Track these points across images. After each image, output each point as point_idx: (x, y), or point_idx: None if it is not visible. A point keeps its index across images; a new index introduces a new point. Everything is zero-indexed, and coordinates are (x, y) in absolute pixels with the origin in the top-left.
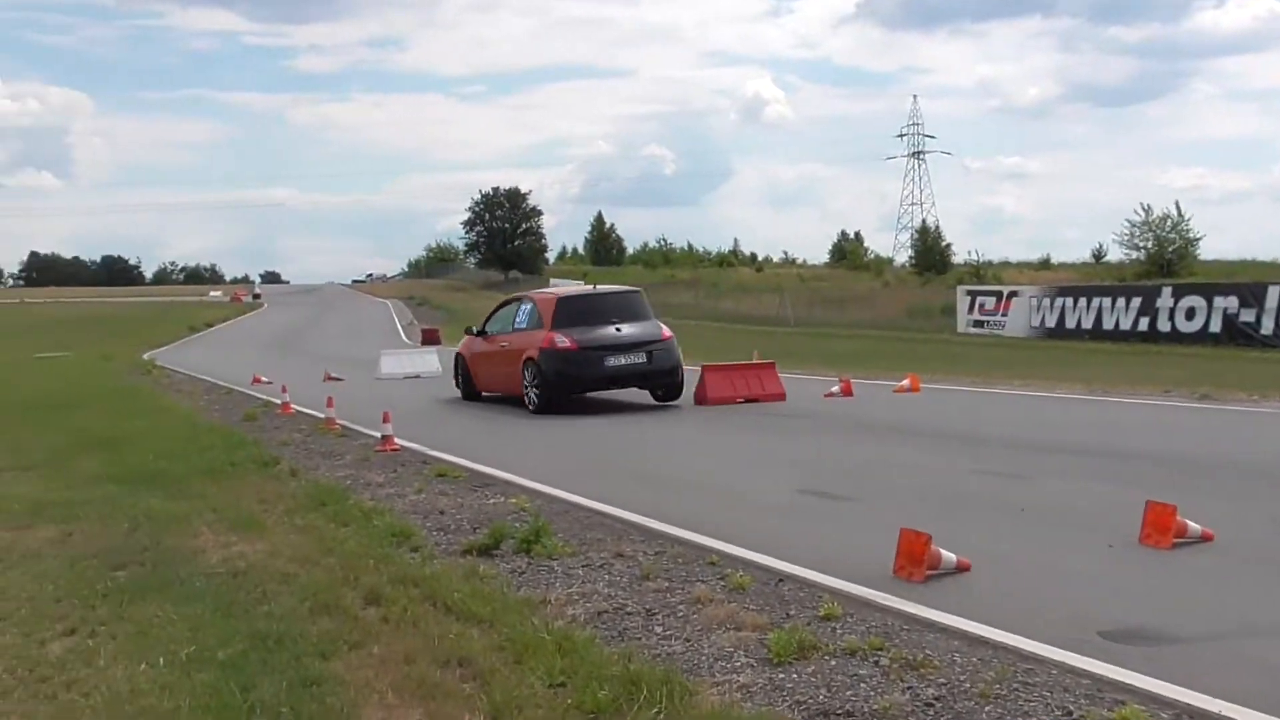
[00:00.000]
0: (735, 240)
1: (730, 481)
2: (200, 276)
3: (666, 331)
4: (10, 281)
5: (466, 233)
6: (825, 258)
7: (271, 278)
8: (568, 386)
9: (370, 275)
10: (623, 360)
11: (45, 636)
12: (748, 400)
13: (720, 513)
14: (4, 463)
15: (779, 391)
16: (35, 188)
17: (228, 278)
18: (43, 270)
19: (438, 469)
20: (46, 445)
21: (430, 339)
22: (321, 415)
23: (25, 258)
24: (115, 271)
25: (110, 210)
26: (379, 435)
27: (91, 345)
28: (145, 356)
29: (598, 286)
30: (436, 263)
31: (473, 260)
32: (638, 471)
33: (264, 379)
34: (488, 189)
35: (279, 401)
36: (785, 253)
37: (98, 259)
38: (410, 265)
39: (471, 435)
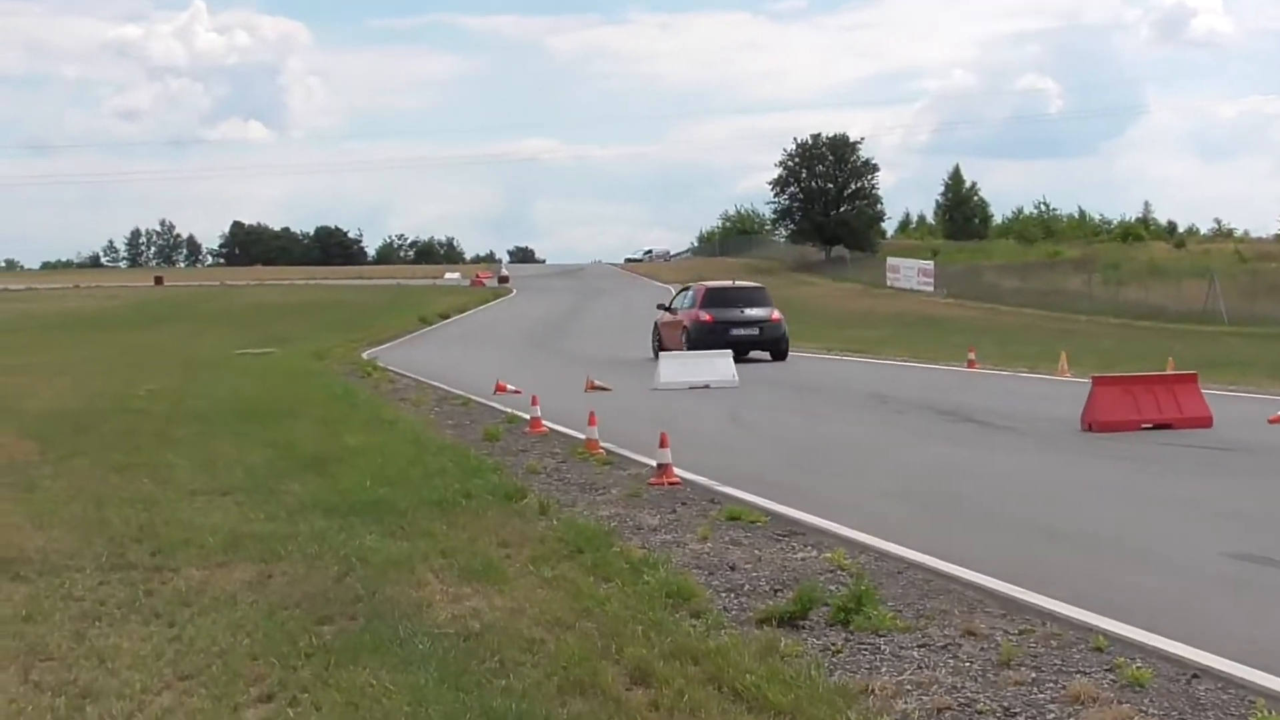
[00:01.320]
0: (1146, 204)
1: (1126, 537)
2: (434, 253)
3: (776, 315)
4: (209, 259)
5: (775, 195)
6: (1277, 228)
7: (523, 256)
8: (701, 344)
9: (649, 253)
10: (742, 332)
11: (239, 701)
12: (1157, 426)
13: (1111, 579)
14: (197, 484)
15: (1203, 415)
16: (241, 141)
17: (468, 255)
18: (247, 244)
19: (729, 510)
20: (246, 464)
21: None
22: (581, 435)
23: (227, 229)
24: (331, 247)
25: (328, 168)
26: (654, 463)
27: (301, 340)
28: (364, 355)
29: (736, 281)
30: (735, 236)
31: (783, 232)
32: (998, 519)
33: (510, 387)
34: (805, 137)
35: (527, 416)
36: (1218, 221)
37: (311, 231)
38: (701, 239)
39: (776, 465)
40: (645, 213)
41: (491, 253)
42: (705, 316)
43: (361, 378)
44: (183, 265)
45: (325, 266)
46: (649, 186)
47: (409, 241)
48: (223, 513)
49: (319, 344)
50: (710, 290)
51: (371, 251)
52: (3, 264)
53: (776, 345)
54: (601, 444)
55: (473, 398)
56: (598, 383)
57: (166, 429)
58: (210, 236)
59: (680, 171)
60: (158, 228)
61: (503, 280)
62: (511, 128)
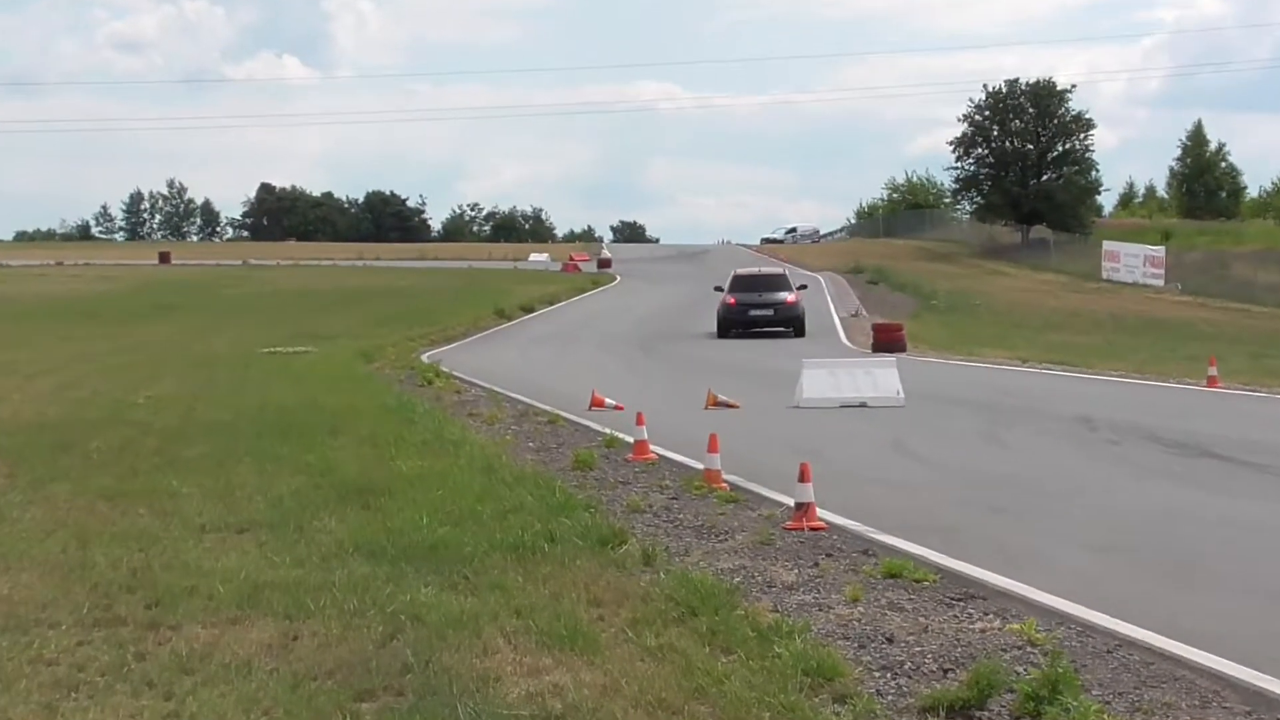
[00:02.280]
0: None
1: None
2: (515, 229)
3: (792, 298)
4: (229, 231)
5: (958, 159)
6: None
7: (630, 233)
8: (729, 324)
9: (792, 231)
10: (759, 313)
11: None
12: None
13: None
14: (208, 518)
15: None
16: (272, 82)
17: (559, 232)
18: (277, 213)
19: (888, 564)
20: (271, 493)
21: (888, 340)
22: (699, 465)
23: (253, 194)
24: (385, 218)
25: (382, 118)
26: (792, 502)
27: (345, 336)
28: (425, 357)
29: (761, 270)
30: (904, 211)
31: (966, 207)
32: (1241, 586)
33: (609, 401)
34: (998, 83)
35: (630, 439)
36: None
37: (360, 197)
38: (859, 214)
39: (951, 508)
40: (789, 180)
41: (590, 229)
42: (730, 300)
43: (421, 386)
44: (196, 239)
45: (377, 243)
46: (794, 146)
47: (484, 213)
48: (239, 555)
49: (368, 342)
50: (737, 276)
51: (436, 225)
52: None
53: (791, 323)
54: (725, 476)
55: (561, 414)
56: (721, 398)
57: (171, 447)
58: (231, 203)
59: (835, 128)
60: (164, 190)
61: (604, 264)
62: (619, 70)
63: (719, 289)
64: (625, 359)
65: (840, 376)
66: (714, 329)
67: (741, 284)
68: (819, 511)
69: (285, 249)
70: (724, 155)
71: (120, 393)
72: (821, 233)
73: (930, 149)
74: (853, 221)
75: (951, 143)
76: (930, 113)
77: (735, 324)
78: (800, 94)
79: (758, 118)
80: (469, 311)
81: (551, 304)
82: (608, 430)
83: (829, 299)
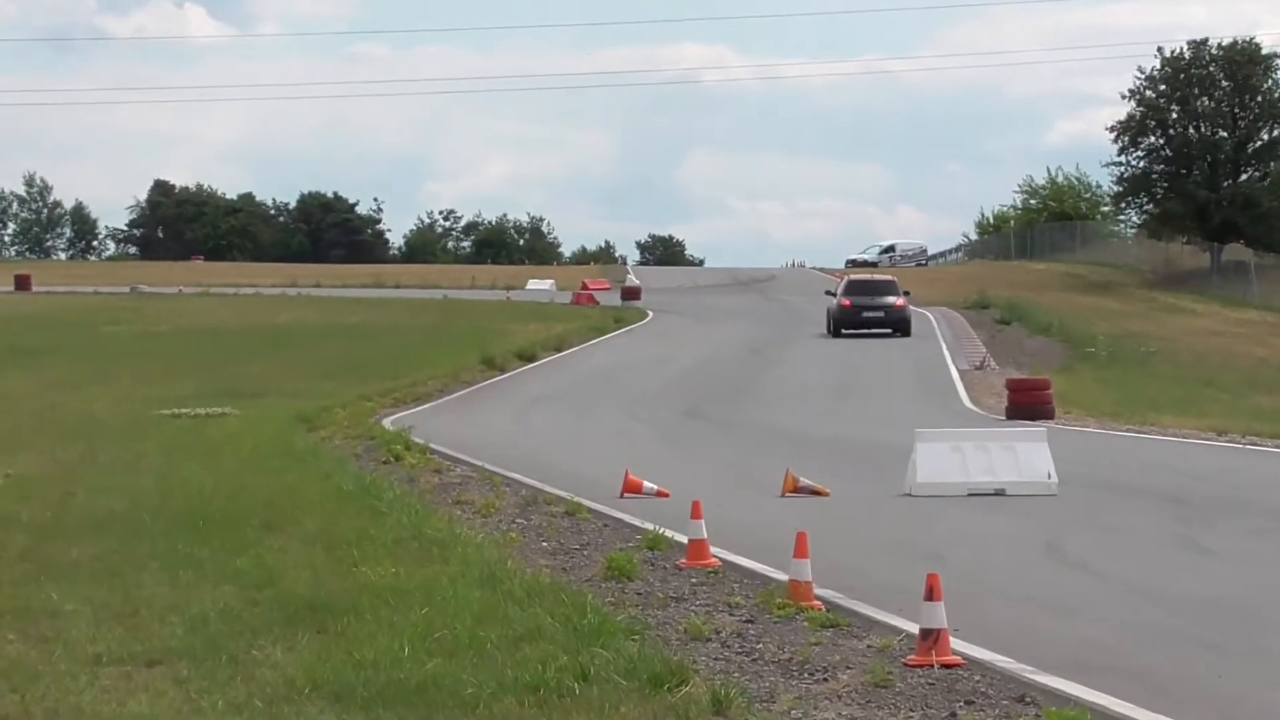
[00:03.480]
0: None
1: None
2: (506, 245)
3: (900, 302)
4: (111, 245)
5: (1121, 152)
6: None
7: (665, 253)
8: (843, 324)
9: (890, 250)
10: (871, 314)
11: None
12: None
13: None
14: (107, 644)
15: None
16: (171, 41)
17: (566, 250)
18: (177, 221)
19: (1054, 716)
20: (190, 612)
21: (1029, 403)
22: (780, 575)
23: (143, 195)
24: (326, 229)
25: (323, 93)
26: (916, 629)
27: (276, 392)
28: (388, 422)
29: (873, 276)
30: (1043, 224)
31: (1132, 217)
32: None
33: (648, 485)
34: (1176, 46)
35: (683, 538)
36: None
37: (291, 201)
38: (981, 228)
39: (1134, 638)
40: (882, 180)
41: (609, 246)
42: (845, 301)
43: (386, 463)
44: (64, 256)
45: (315, 264)
46: (889, 133)
47: (462, 224)
48: (151, 697)
49: (308, 401)
50: (851, 281)
51: (397, 240)
52: None
53: (898, 325)
54: (818, 591)
55: (584, 502)
56: (804, 481)
57: (45, 547)
58: (114, 207)
59: (945, 108)
60: (20, 189)
61: (629, 295)
62: (649, 28)
63: (830, 293)
64: (665, 427)
65: (968, 453)
66: (790, 384)
67: (855, 288)
68: (954, 641)
69: (189, 271)
70: (792, 146)
71: None
72: (930, 253)
73: (1081, 137)
74: (972, 238)
75: (1112, 129)
76: (1080, 86)
77: (849, 324)
78: (897, 61)
79: (839, 94)
80: (446, 360)
81: (559, 350)
82: (650, 525)
83: (943, 344)
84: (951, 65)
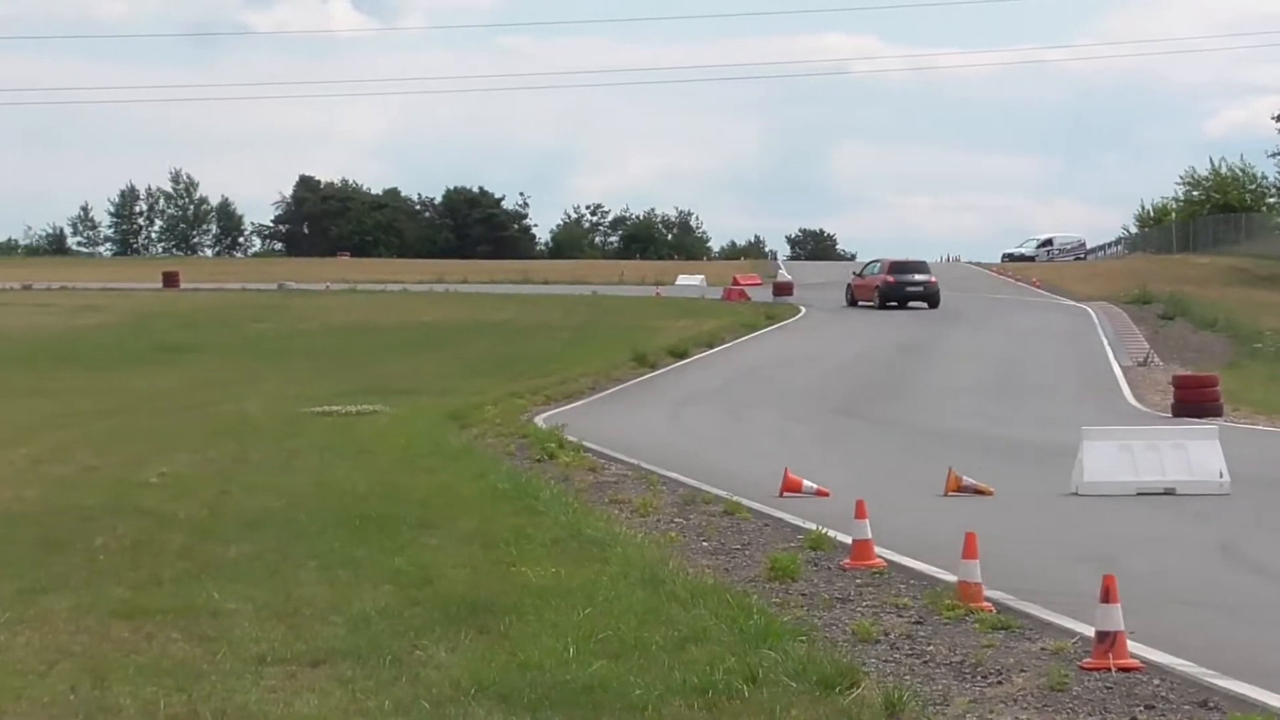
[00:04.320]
0: None
1: None
2: (655, 240)
3: (933, 279)
4: (257, 241)
5: None
6: None
7: (815, 247)
8: (887, 297)
9: (1048, 244)
10: (912, 289)
11: None
12: None
13: None
14: (269, 644)
15: None
16: (314, 36)
17: (716, 246)
18: (323, 217)
19: None
20: (351, 611)
21: (1196, 400)
22: (948, 575)
23: (289, 190)
24: (472, 225)
25: (467, 87)
26: (1090, 631)
27: (426, 390)
28: (540, 420)
29: (908, 258)
30: (1206, 216)
31: None
32: None
33: (808, 484)
34: None
35: (847, 538)
36: None
37: (437, 196)
38: (1141, 221)
39: None
40: (1038, 172)
41: (758, 241)
42: (890, 278)
43: (540, 461)
44: (211, 253)
45: (462, 260)
46: (1045, 124)
47: (609, 219)
48: (317, 698)
49: (458, 399)
50: (892, 262)
51: (544, 235)
52: None
53: (931, 298)
54: (987, 592)
55: (743, 501)
56: (967, 480)
57: (203, 546)
58: (259, 203)
59: (1104, 97)
60: (167, 186)
61: (781, 290)
62: (797, 18)
63: (858, 274)
64: (821, 425)
65: (1137, 452)
66: (947, 381)
67: (897, 268)
68: (1131, 644)
69: (335, 267)
70: (945, 138)
71: (121, 469)
72: (1088, 246)
73: (1245, 126)
74: (1132, 231)
75: (1278, 117)
76: (1244, 74)
77: (893, 297)
78: (1053, 50)
79: (992, 84)
80: (596, 356)
81: (711, 346)
82: (811, 525)
83: (1104, 339)
84: (1108, 54)
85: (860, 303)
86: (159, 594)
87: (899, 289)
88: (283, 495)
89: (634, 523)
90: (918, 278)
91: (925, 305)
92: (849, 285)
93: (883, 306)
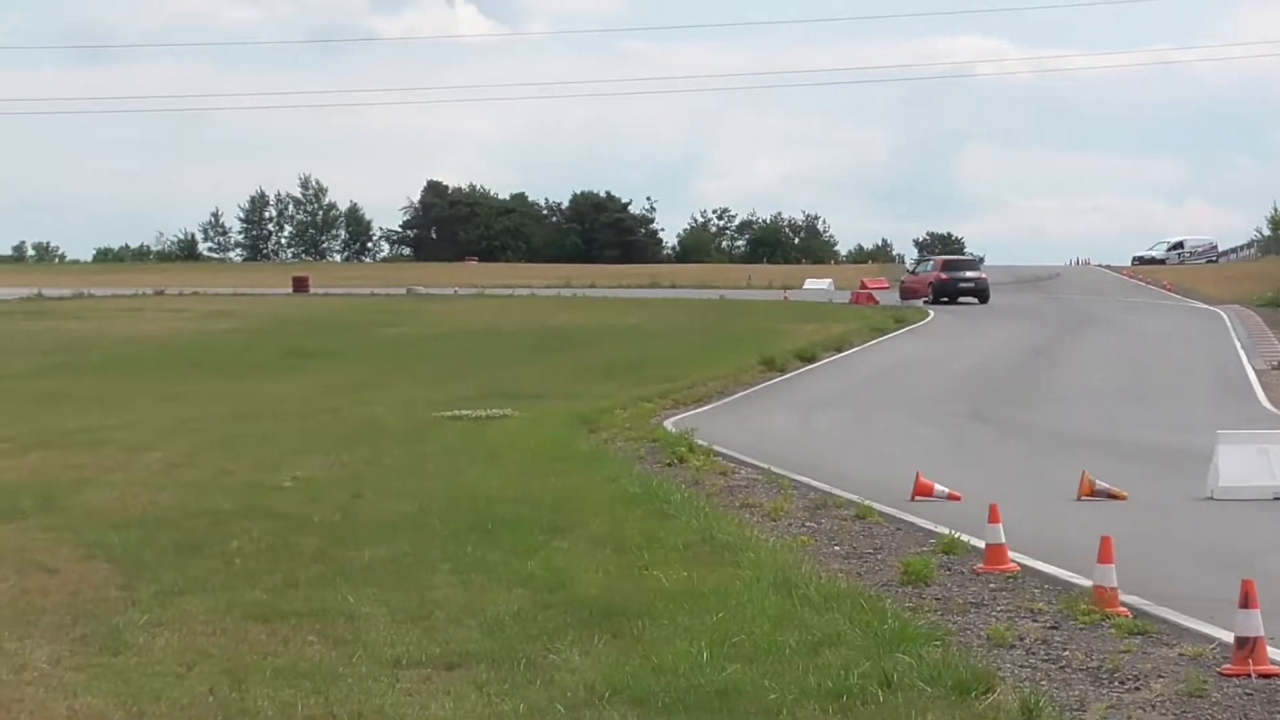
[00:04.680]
0: None
1: None
2: (781, 244)
3: (983, 275)
4: (385, 246)
5: None
6: None
7: (943, 250)
8: (941, 292)
9: (1178, 247)
10: (963, 285)
11: None
12: None
13: None
14: (404, 648)
15: None
16: (439, 41)
17: (843, 249)
18: (450, 222)
19: None
20: (486, 615)
21: None
22: (1083, 580)
23: (416, 195)
24: (599, 229)
25: (594, 91)
26: (1230, 637)
27: (554, 394)
28: (669, 424)
29: (960, 255)
30: None
31: None
32: None
33: (939, 488)
34: None
35: (980, 542)
36: None
37: (563, 201)
38: (1274, 223)
39: None
40: (1168, 174)
41: (885, 244)
42: (944, 276)
43: (669, 465)
44: (339, 258)
45: (589, 264)
46: (1175, 126)
47: (736, 222)
48: (452, 701)
49: (587, 403)
50: (945, 260)
51: (670, 239)
52: (31, 251)
53: (982, 293)
54: (1123, 597)
55: (874, 505)
56: (1101, 484)
57: (337, 549)
58: (388, 208)
59: (1235, 98)
60: (295, 192)
61: (910, 294)
62: (923, 20)
63: (911, 272)
64: (951, 429)
65: (1274, 456)
66: (1077, 385)
67: (949, 265)
68: (1269, 649)
69: (463, 272)
70: (1073, 140)
71: (254, 473)
72: (1220, 249)
73: None
74: (1265, 234)
75: None
76: None
77: (946, 292)
78: (1183, 51)
79: (1120, 86)
80: (725, 360)
81: (839, 350)
82: (943, 529)
83: (1236, 342)
84: (1239, 54)
85: (909, 300)
86: (294, 597)
87: (952, 285)
88: (415, 499)
89: (765, 527)
90: (969, 274)
91: (975, 300)
92: (901, 282)
93: (936, 301)
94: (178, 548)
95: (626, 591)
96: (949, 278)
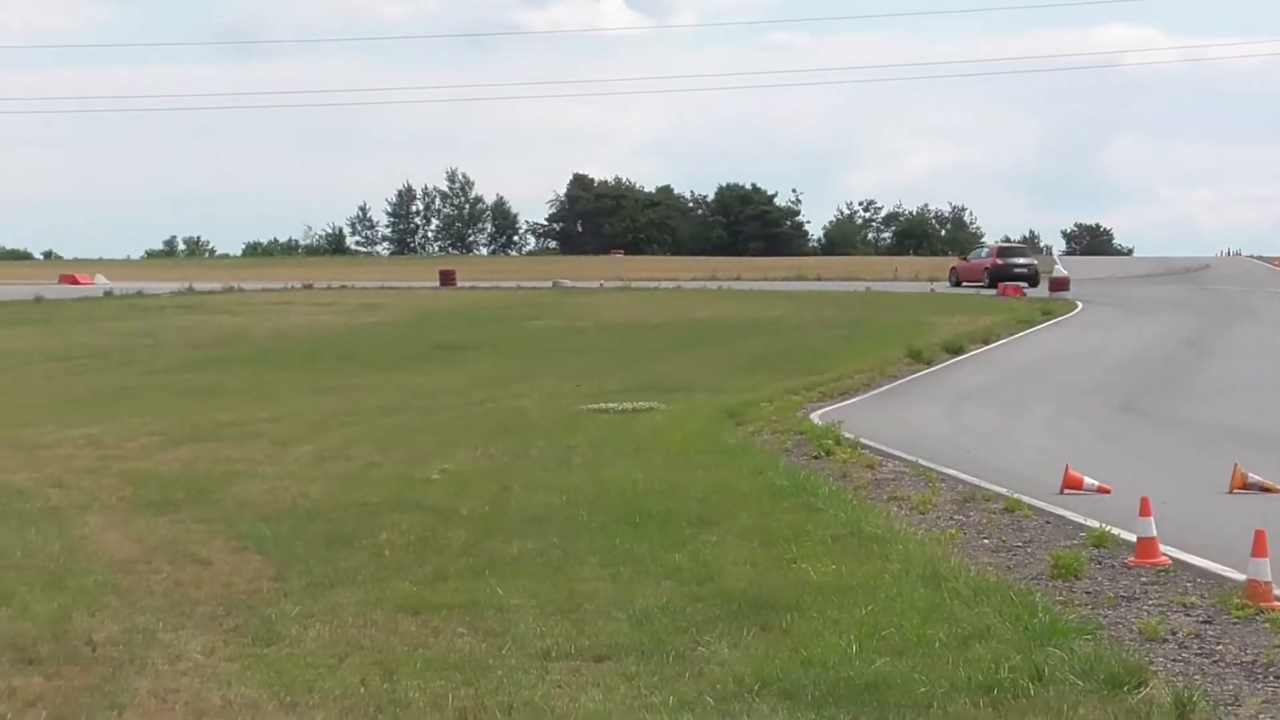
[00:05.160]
0: None
1: None
2: (928, 236)
3: (1034, 262)
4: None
5: None
6: None
7: (1091, 242)
8: (996, 277)
9: None
10: (1016, 271)
11: None
12: None
13: None
14: (553, 640)
15: None
16: (589, 35)
17: (990, 240)
18: (595, 215)
19: None
20: (633, 607)
21: None
22: (1237, 574)
23: (562, 189)
24: (744, 221)
25: (738, 84)
26: None
27: (700, 387)
28: (815, 416)
29: (1013, 243)
30: None
31: None
32: None
33: (1089, 481)
34: None
35: (1131, 536)
36: None
37: (709, 194)
38: None
39: None
40: None
41: (1033, 236)
42: (1000, 261)
43: (816, 458)
44: (486, 251)
45: (735, 257)
46: None
47: (882, 214)
48: (602, 693)
49: (733, 396)
50: (1000, 248)
51: (816, 232)
52: (182, 246)
53: (1034, 279)
54: (1278, 591)
55: (1023, 498)
56: (1254, 478)
57: (486, 542)
58: (534, 202)
59: None
60: (442, 185)
61: (1057, 285)
62: (1071, 9)
63: (964, 258)
64: (1099, 422)
65: None
66: (1231, 378)
67: (1004, 252)
68: None
69: (609, 265)
70: (1224, 130)
71: (403, 466)
72: None
73: None
74: None
75: None
76: None
77: (1001, 276)
78: None
79: (1274, 75)
80: (871, 353)
81: (986, 342)
82: (1093, 522)
83: None
84: None
85: (964, 283)
86: (444, 589)
87: (1007, 270)
88: (562, 492)
89: (913, 520)
90: (1021, 261)
91: (1026, 285)
92: (953, 268)
93: (991, 285)
94: (328, 540)
95: (775, 584)
96: (1004, 263)
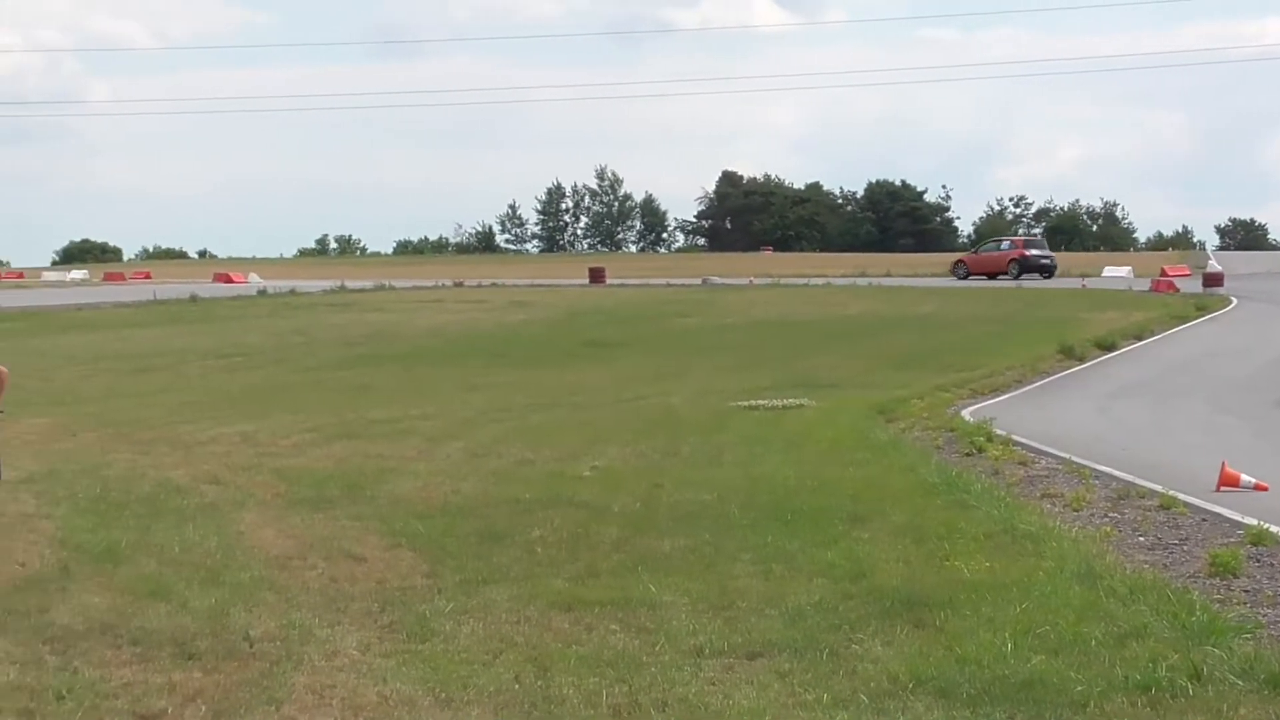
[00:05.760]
0: None
1: None
2: (1079, 232)
3: (1051, 253)
4: (680, 237)
5: None
6: None
7: (1246, 237)
8: (1022, 268)
9: None
10: (1036, 263)
11: None
12: None
13: None
14: (706, 637)
15: None
16: (737, 32)
17: (1142, 236)
18: (744, 212)
19: None
20: (786, 604)
21: None
22: None
23: (710, 186)
24: (894, 218)
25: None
26: None
27: (850, 383)
28: (967, 414)
29: (1036, 236)
30: None
31: None
32: None
33: (1247, 479)
34: None
35: None
36: None
37: (858, 190)
38: None
39: None
40: None
41: (1186, 231)
42: (1026, 253)
43: (968, 455)
44: (635, 248)
45: (885, 254)
46: None
47: (1033, 210)
48: (755, 690)
49: (883, 393)
50: (1025, 240)
51: (966, 227)
52: (333, 244)
53: (1047, 268)
54: None
55: (1179, 496)
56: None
57: (637, 538)
58: (683, 199)
59: None
60: (592, 183)
61: (1211, 281)
62: (1227, 2)
63: (973, 252)
64: (1256, 419)
65: None
66: None
67: (1029, 244)
68: None
69: (759, 262)
70: None
71: (554, 462)
72: None
73: None
74: None
75: None
76: None
77: (1026, 267)
78: None
79: None
80: (1022, 349)
81: (1139, 338)
82: (1251, 520)
83: None
84: None
85: (974, 276)
86: (596, 586)
87: (1033, 261)
88: (713, 489)
89: (1066, 517)
90: (1043, 253)
91: (1044, 275)
92: (961, 261)
93: (1017, 276)
94: (480, 536)
95: (928, 582)
96: (1030, 254)
